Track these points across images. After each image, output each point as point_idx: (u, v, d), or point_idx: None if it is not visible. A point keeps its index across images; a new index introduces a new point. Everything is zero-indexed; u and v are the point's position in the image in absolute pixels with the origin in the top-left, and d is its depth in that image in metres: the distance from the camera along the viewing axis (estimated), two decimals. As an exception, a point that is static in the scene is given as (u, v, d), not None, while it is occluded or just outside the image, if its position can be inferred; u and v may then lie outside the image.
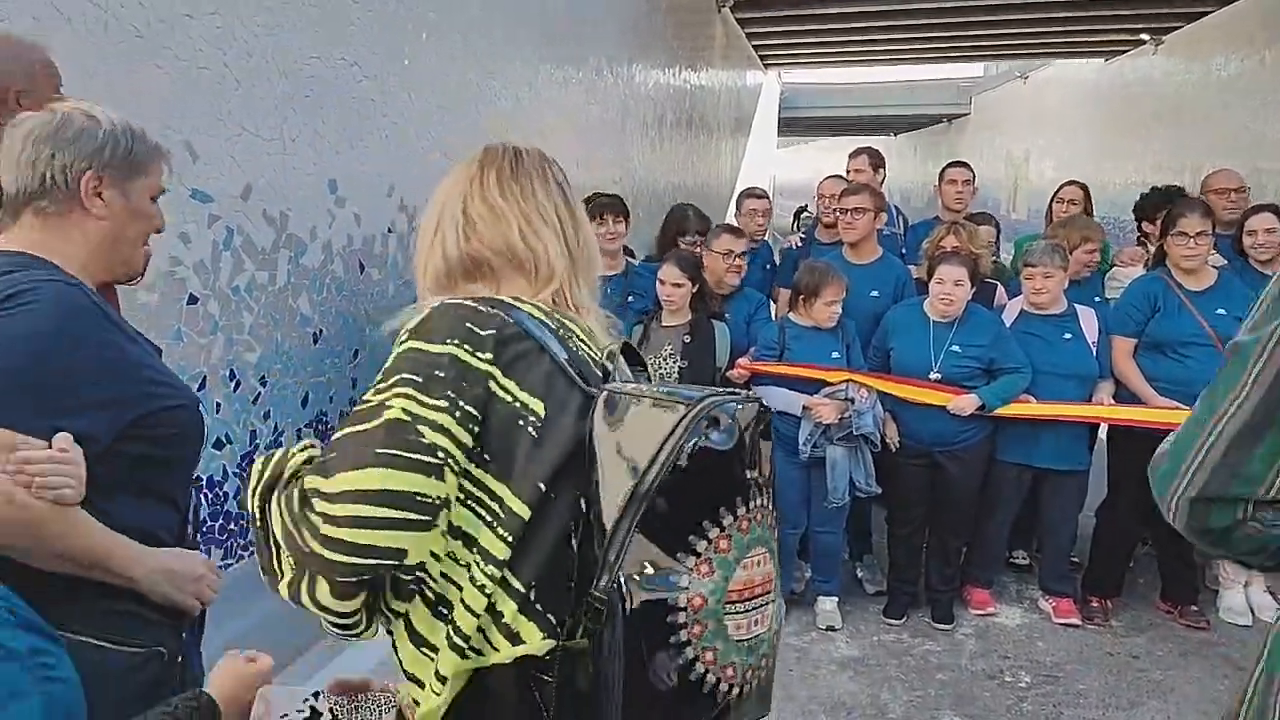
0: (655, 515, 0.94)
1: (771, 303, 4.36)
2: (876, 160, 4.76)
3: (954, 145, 29.93)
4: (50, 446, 1.15)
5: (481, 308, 1.07)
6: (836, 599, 3.64)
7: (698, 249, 3.82)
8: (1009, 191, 23.12)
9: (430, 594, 1.03)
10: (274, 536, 1.04)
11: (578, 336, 1.12)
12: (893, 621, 3.63)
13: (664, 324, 3.45)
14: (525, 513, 1.00)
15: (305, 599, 1.03)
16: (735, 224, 4.30)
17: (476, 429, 1.01)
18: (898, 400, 3.48)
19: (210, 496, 3.30)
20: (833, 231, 4.21)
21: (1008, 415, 3.44)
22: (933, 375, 3.45)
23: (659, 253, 4.20)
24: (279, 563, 1.07)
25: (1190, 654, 3.34)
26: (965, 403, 3.38)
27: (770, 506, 1.04)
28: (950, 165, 4.66)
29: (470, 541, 1.01)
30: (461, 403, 1.00)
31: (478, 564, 1.00)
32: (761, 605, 1.01)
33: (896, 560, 3.73)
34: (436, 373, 1.01)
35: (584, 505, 0.99)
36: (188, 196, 3.08)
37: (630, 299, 3.61)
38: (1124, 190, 15.69)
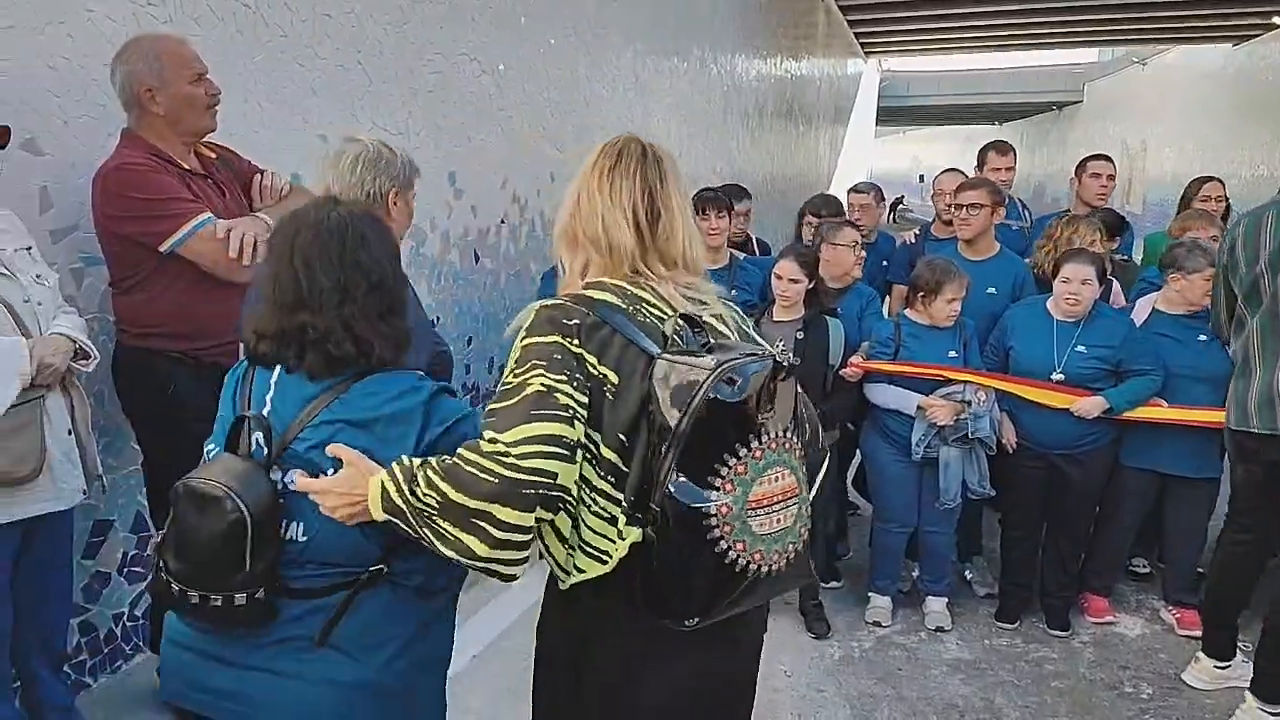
0: (688, 450, 1.29)
1: (887, 298, 4.31)
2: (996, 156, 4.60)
3: (1064, 134, 28.76)
4: None
5: (569, 304, 1.40)
6: (946, 600, 3.59)
7: (814, 236, 3.79)
8: (1124, 183, 22.10)
9: (569, 511, 1.38)
10: (430, 519, 1.30)
11: (647, 306, 1.43)
12: (1005, 625, 3.55)
13: (776, 319, 3.37)
14: (614, 457, 1.35)
15: (478, 546, 1.29)
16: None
17: (587, 394, 1.34)
18: (1016, 400, 3.39)
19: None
20: (949, 227, 4.13)
21: (1135, 419, 3.32)
22: (1055, 376, 3.34)
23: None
24: (443, 539, 1.31)
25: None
26: (1090, 405, 3.27)
27: (789, 434, 1.38)
28: (1093, 158, 4.49)
29: (584, 479, 1.37)
30: (576, 375, 1.34)
31: (592, 490, 1.37)
32: (783, 507, 1.36)
33: (1010, 563, 3.64)
34: (555, 356, 1.34)
35: (653, 449, 1.33)
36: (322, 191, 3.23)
37: (734, 292, 3.61)
38: (1252, 184, 14.83)
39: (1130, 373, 3.31)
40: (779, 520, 1.35)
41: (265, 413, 1.41)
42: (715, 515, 1.29)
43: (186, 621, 1.42)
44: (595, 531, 1.37)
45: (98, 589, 2.53)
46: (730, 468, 1.30)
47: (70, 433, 1.92)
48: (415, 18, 3.68)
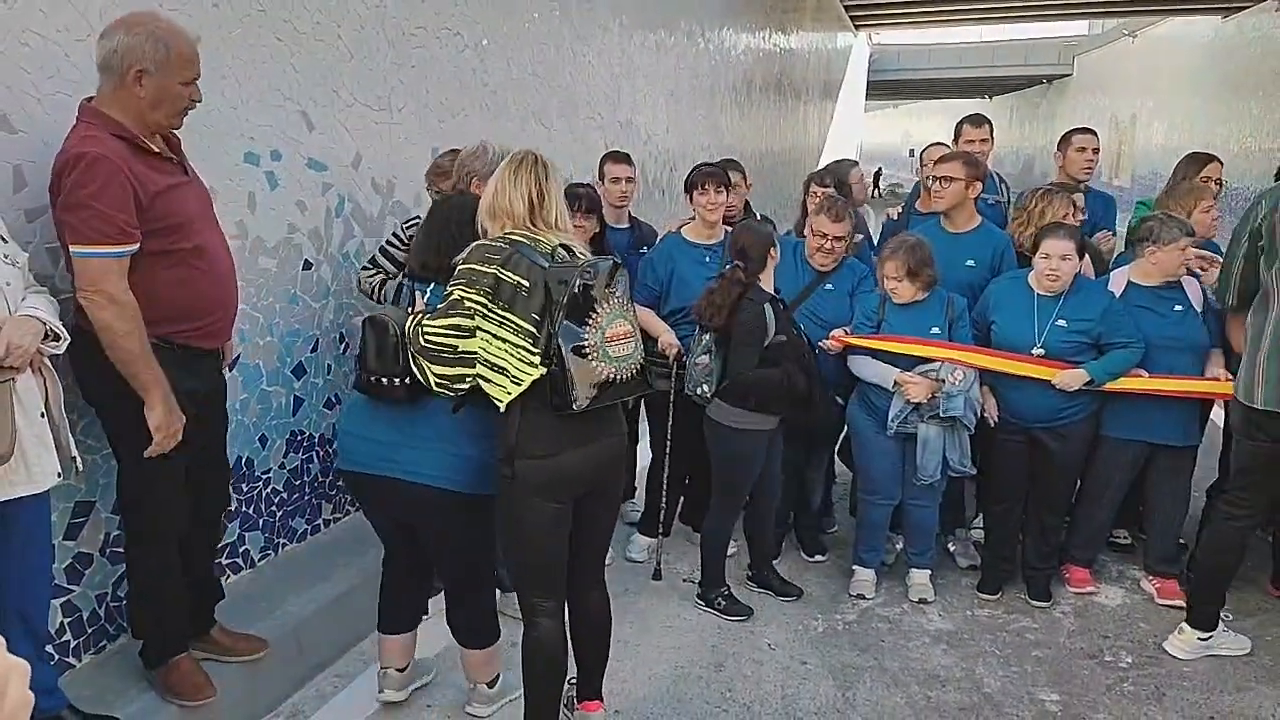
0: (570, 310, 2.16)
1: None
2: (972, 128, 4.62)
3: (1054, 108, 28.70)
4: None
5: (494, 243, 2.26)
6: (929, 571, 3.62)
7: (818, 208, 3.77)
8: (1113, 156, 22.10)
9: (486, 362, 2.23)
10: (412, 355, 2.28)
11: (540, 243, 2.27)
12: (987, 597, 3.59)
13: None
14: (530, 327, 2.19)
15: (428, 379, 2.26)
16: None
17: (491, 296, 2.19)
18: (997, 374, 3.41)
19: (321, 454, 3.47)
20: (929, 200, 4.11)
21: (1117, 390, 3.34)
22: (1036, 350, 3.36)
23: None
24: (416, 367, 2.28)
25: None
26: (1072, 378, 3.29)
27: (623, 296, 2.29)
28: (1077, 131, 4.46)
29: (513, 343, 2.20)
30: (480, 285, 2.20)
31: (517, 347, 2.20)
32: (624, 342, 2.28)
33: (992, 536, 3.68)
34: (471, 275, 2.22)
35: (551, 316, 2.19)
36: (304, 166, 3.20)
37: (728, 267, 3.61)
38: (1241, 156, 14.84)
39: (1110, 345, 3.33)
40: (623, 349, 2.28)
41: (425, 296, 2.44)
42: (587, 342, 2.19)
43: (365, 407, 2.43)
44: (518, 370, 2.20)
45: (80, 570, 2.53)
46: (592, 319, 2.20)
47: (43, 415, 1.91)
48: (395, -9, 3.63)
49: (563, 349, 2.14)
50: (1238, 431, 3.02)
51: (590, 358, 2.18)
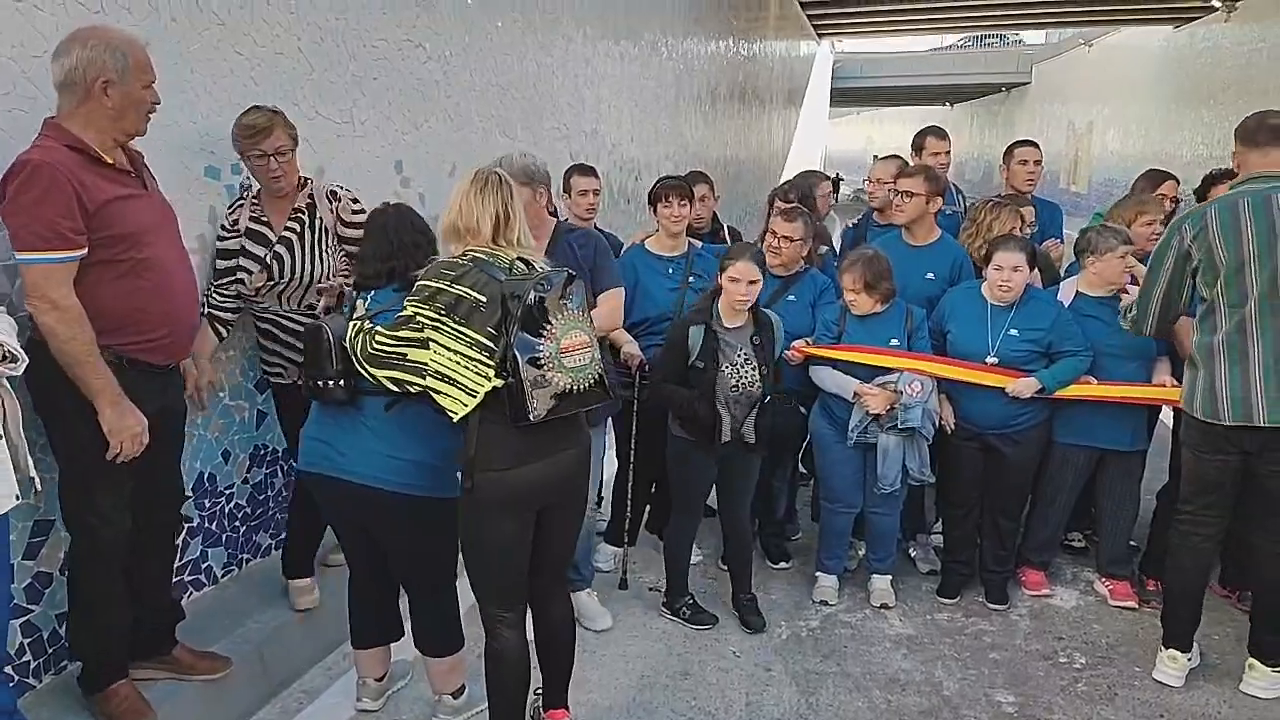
0: (525, 322, 2.19)
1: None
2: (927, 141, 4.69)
3: (1012, 115, 29.18)
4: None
5: (454, 260, 2.31)
6: (890, 577, 3.69)
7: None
8: (1069, 163, 22.52)
9: (436, 374, 2.27)
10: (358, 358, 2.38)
11: (502, 259, 2.32)
12: (946, 601, 3.67)
13: (729, 325, 3.22)
14: (486, 340, 2.21)
15: (380, 381, 2.34)
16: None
17: (446, 311, 2.23)
18: (953, 383, 3.49)
19: (285, 468, 3.45)
20: (884, 214, 4.20)
21: (1067, 397, 3.43)
22: (989, 359, 3.44)
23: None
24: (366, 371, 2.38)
25: (1247, 638, 3.32)
26: (1024, 386, 3.38)
27: (577, 309, 2.31)
28: (1020, 144, 4.55)
29: (467, 356, 2.23)
30: (435, 302, 2.25)
31: (472, 360, 2.22)
32: (582, 352, 2.30)
33: (951, 541, 3.76)
34: (425, 292, 2.26)
35: (507, 329, 2.20)
36: (266, 179, 3.19)
37: (691, 279, 3.64)
38: (1192, 164, 15.20)
39: (1060, 353, 3.42)
40: (579, 360, 2.29)
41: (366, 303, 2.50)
42: (543, 354, 2.21)
43: (320, 412, 2.54)
44: (472, 382, 2.23)
45: (40, 589, 2.50)
46: (547, 330, 2.23)
47: (1, 437, 1.89)
48: (357, 3, 3.63)
49: (518, 360, 2.17)
50: (1196, 449, 2.98)
51: (546, 368, 2.21)
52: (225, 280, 2.96)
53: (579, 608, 3.26)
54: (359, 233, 2.99)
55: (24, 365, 1.93)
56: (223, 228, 2.99)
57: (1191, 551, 3.09)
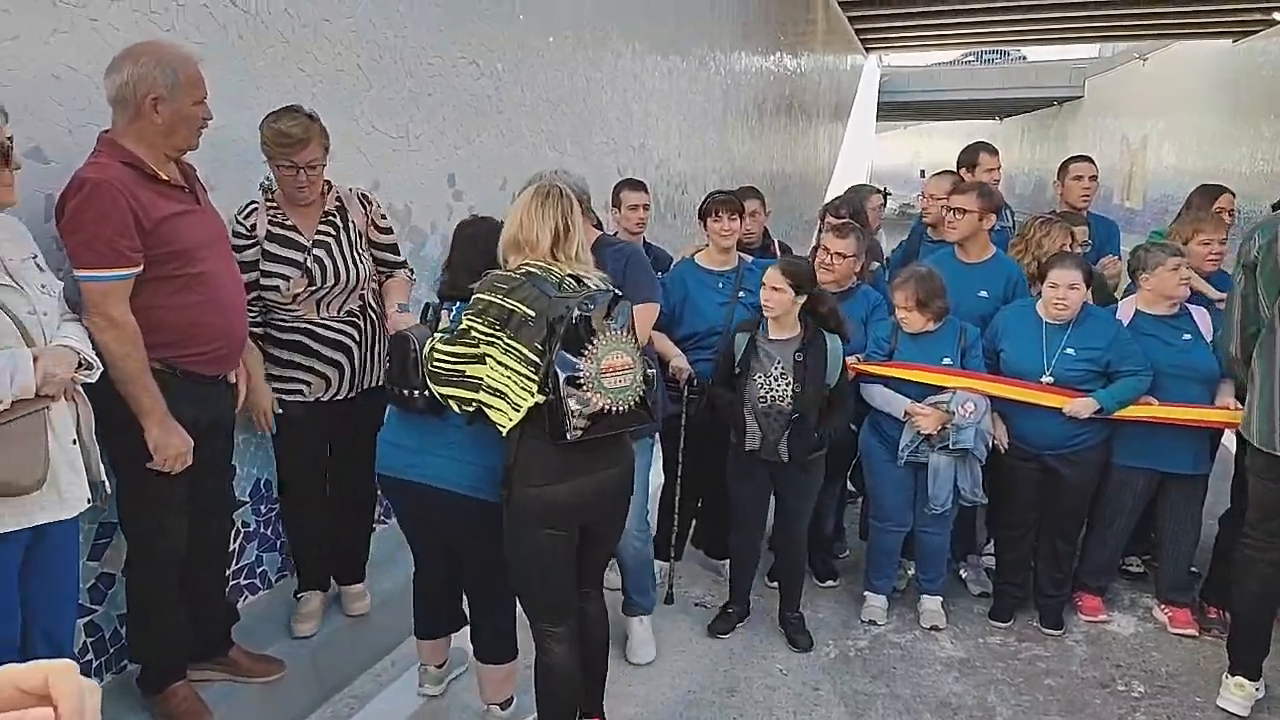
0: (567, 340, 2.19)
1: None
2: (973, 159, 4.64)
3: (1064, 129, 28.73)
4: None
5: (508, 274, 2.32)
6: (940, 598, 3.63)
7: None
8: (1124, 179, 22.09)
9: (489, 389, 2.29)
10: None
11: (555, 275, 2.32)
12: (999, 624, 3.59)
13: (772, 337, 3.21)
14: (533, 355, 2.21)
15: (439, 393, 2.37)
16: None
17: (499, 326, 2.24)
18: (1008, 402, 3.43)
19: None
20: (941, 229, 4.15)
21: (1127, 418, 3.35)
22: (1044, 379, 3.38)
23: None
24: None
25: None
26: (1081, 405, 3.31)
27: (621, 329, 2.28)
28: (1075, 160, 4.48)
29: (516, 371, 2.24)
30: (488, 316, 2.26)
31: (519, 374, 2.23)
32: (623, 373, 2.27)
33: (1004, 563, 3.68)
34: (480, 306, 2.28)
35: (550, 346, 2.20)
36: (325, 193, 3.25)
37: (741, 294, 3.63)
38: (1252, 179, 14.83)
39: (1119, 373, 3.35)
40: (620, 381, 2.27)
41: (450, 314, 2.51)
42: (582, 373, 2.20)
43: (398, 416, 2.59)
44: (517, 396, 2.24)
45: (103, 590, 2.56)
46: (589, 350, 2.21)
47: (75, 441, 1.95)
48: (414, 21, 3.70)
49: (558, 378, 2.16)
50: (1260, 474, 2.90)
51: (585, 388, 2.19)
52: (249, 295, 2.73)
53: (628, 632, 3.28)
54: (391, 238, 3.05)
55: (99, 372, 1.99)
56: (236, 234, 2.74)
57: (1258, 577, 3.00)
